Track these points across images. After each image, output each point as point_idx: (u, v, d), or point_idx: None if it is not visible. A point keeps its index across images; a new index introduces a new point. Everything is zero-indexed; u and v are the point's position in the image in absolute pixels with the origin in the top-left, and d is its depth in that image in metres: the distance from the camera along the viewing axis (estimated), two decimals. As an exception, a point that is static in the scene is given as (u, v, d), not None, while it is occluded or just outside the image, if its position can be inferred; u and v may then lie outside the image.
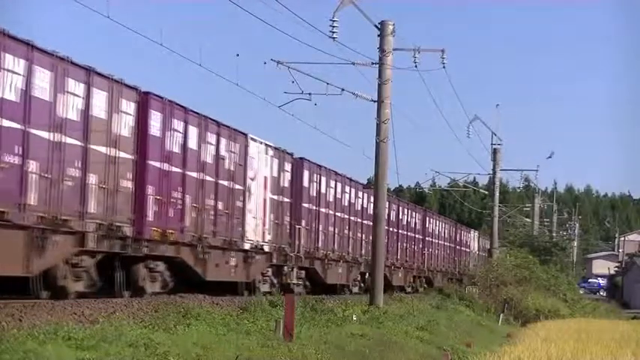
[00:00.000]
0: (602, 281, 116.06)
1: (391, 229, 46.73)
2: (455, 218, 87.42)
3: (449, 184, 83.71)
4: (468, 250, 67.64)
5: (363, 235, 39.76)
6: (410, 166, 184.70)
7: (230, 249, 27.14)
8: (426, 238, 53.79)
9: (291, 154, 31.70)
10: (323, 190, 34.98)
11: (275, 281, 31.15)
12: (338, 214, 36.97)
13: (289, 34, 32.23)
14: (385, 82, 31.52)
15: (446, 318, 35.44)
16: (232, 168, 27.04)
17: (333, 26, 30.13)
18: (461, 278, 59.78)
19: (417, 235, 51.84)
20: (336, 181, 36.80)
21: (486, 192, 71.55)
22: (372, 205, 35.81)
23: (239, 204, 27.53)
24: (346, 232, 37.96)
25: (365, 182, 43.83)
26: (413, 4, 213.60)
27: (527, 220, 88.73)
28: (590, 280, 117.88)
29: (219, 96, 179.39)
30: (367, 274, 39.97)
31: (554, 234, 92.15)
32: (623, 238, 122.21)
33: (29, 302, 17.90)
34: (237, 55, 30.08)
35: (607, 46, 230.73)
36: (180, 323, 18.30)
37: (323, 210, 35.17)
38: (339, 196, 37.09)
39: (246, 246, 28.00)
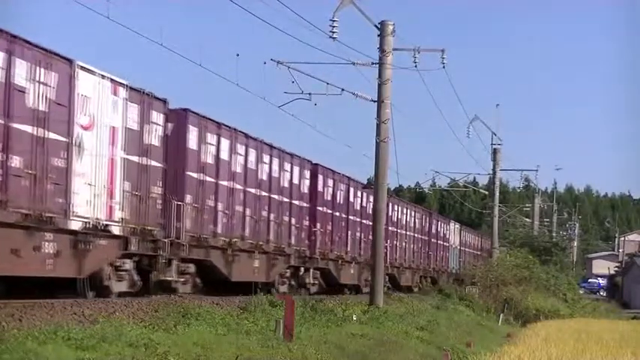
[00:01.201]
0: (602, 281, 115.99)
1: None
2: (455, 218, 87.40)
3: (449, 184, 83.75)
4: (446, 244, 59.82)
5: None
6: (410, 166, 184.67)
7: (43, 228, 18.50)
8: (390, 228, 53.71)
9: (164, 101, 23.13)
10: (224, 156, 26.93)
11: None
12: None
13: (289, 34, 32.21)
14: (385, 82, 31.52)
15: (446, 318, 35.44)
16: (44, 107, 18.43)
17: (333, 26, 30.14)
18: (435, 276, 55.57)
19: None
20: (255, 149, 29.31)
21: (486, 192, 71.51)
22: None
23: (59, 163, 19.00)
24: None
25: (365, 182, 43.78)
26: (413, 4, 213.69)
27: (527, 220, 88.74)
28: (590, 280, 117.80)
29: (219, 96, 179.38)
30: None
31: (554, 234, 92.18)
32: (623, 238, 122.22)
33: (29, 302, 17.90)
34: (237, 55, 30.07)
35: (607, 45, 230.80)
36: (180, 323, 18.31)
37: (223, 183, 27.01)
38: (251, 166, 29.10)
39: (74, 225, 19.57)
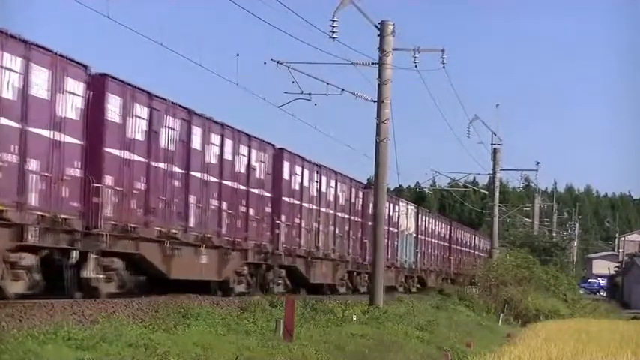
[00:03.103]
0: (602, 281, 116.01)
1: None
2: (455, 218, 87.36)
3: (449, 184, 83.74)
4: (393, 229, 46.03)
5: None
6: (410, 166, 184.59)
7: None
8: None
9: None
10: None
11: None
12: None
13: (289, 34, 32.18)
14: (385, 82, 31.52)
15: (446, 318, 35.42)
16: None
17: (333, 26, 30.15)
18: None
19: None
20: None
21: (486, 192, 71.57)
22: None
23: None
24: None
25: (365, 182, 43.74)
26: (413, 4, 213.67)
27: (527, 220, 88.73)
28: (590, 280, 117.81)
29: (220, 96, 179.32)
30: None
31: (554, 234, 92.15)
32: (623, 238, 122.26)
33: (29, 302, 17.90)
34: (237, 55, 30.03)
35: (607, 45, 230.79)
36: (180, 323, 18.31)
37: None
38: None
39: None
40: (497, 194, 61.71)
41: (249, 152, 28.87)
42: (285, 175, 31.93)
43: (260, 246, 29.42)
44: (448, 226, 60.63)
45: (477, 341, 30.34)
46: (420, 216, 52.25)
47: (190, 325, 18.52)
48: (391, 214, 44.71)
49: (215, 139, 26.42)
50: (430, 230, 55.90)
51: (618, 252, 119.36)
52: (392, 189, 68.46)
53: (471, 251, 68.27)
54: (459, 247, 64.52)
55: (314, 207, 34.39)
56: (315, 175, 34.70)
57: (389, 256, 42.25)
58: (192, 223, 25.10)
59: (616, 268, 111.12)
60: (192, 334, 17.73)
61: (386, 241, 39.41)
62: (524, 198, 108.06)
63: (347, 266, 38.42)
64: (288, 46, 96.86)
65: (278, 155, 31.39)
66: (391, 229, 44.36)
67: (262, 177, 29.85)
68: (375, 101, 31.66)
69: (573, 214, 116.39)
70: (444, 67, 34.36)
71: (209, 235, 26.01)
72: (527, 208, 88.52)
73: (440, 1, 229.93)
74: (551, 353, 22.10)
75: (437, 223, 58.57)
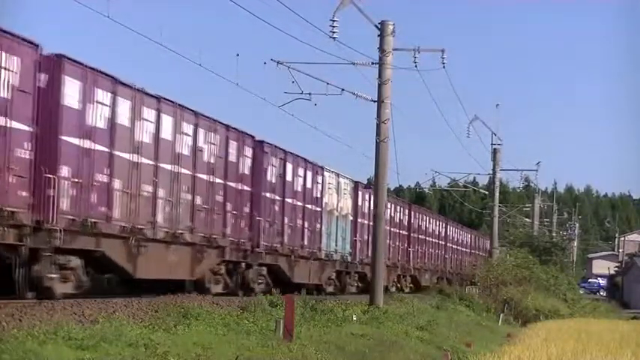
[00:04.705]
0: (602, 281, 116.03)
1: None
2: (455, 218, 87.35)
3: (449, 184, 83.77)
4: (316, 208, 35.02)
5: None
6: (410, 166, 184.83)
7: None
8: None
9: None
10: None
11: None
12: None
13: (289, 34, 32.23)
14: (385, 82, 31.53)
15: (446, 318, 35.44)
16: None
17: (333, 26, 30.16)
18: None
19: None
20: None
21: (486, 192, 71.61)
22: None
23: None
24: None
25: (365, 182, 43.73)
26: (413, 4, 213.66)
27: (527, 220, 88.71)
28: (590, 280, 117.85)
29: (220, 96, 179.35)
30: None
31: (554, 234, 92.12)
32: (623, 238, 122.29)
33: (29, 302, 17.90)
34: (237, 55, 30.05)
35: (607, 45, 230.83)
36: (181, 323, 18.32)
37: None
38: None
39: None
40: (497, 194, 61.73)
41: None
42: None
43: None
44: (406, 210, 49.47)
45: (477, 341, 30.37)
46: (360, 194, 40.25)
47: (190, 325, 18.53)
48: (309, 185, 33.58)
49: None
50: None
51: (618, 252, 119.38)
52: (392, 189, 68.49)
53: (442, 242, 58.03)
54: (421, 237, 52.38)
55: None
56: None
57: (304, 243, 32.88)
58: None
59: (616, 268, 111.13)
60: (192, 334, 17.74)
61: (299, 221, 32.44)
62: (524, 198, 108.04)
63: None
64: (288, 46, 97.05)
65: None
66: (310, 206, 33.55)
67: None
68: (375, 101, 31.67)
69: (573, 214, 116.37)
70: (444, 67, 34.43)
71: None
72: (527, 208, 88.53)
73: (440, 1, 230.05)
74: (551, 353, 22.11)
75: (392, 206, 45.52)
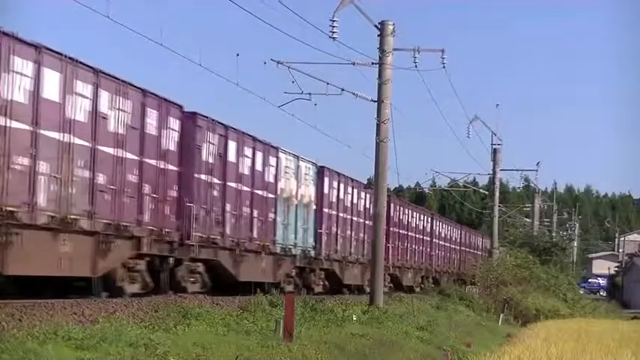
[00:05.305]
0: (602, 281, 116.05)
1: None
2: (455, 218, 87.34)
3: (449, 184, 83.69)
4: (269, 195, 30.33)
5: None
6: (410, 166, 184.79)
7: None
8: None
9: None
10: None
11: None
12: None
13: (289, 34, 32.19)
14: (385, 82, 31.53)
15: (446, 318, 35.45)
16: None
17: (333, 26, 30.16)
18: None
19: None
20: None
21: (486, 192, 71.49)
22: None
23: None
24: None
25: (365, 182, 43.72)
26: (413, 4, 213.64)
27: (527, 220, 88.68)
28: (590, 280, 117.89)
29: (220, 96, 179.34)
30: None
31: (554, 234, 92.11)
32: (623, 238, 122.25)
33: (29, 302, 17.90)
34: (237, 55, 30.03)
35: (608, 44, 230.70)
36: (180, 323, 18.32)
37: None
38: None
39: None
40: (497, 194, 61.71)
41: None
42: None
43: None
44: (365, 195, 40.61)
45: (477, 341, 30.37)
46: (326, 180, 35.58)
47: (190, 325, 18.53)
48: (259, 167, 29.53)
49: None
50: (346, 204, 38.17)
51: (618, 252, 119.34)
52: (392, 189, 68.39)
53: (427, 238, 54.78)
54: (402, 232, 48.28)
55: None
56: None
57: (253, 235, 29.05)
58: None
59: (616, 268, 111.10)
60: (192, 334, 17.74)
61: (246, 209, 28.52)
62: (524, 198, 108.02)
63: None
64: (288, 46, 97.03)
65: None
66: (260, 192, 29.56)
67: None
68: (375, 101, 31.67)
69: (573, 214, 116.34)
70: (443, 67, 34.40)
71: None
72: (527, 208, 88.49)
73: (440, 1, 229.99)
74: (551, 353, 22.09)
75: (355, 192, 39.54)
